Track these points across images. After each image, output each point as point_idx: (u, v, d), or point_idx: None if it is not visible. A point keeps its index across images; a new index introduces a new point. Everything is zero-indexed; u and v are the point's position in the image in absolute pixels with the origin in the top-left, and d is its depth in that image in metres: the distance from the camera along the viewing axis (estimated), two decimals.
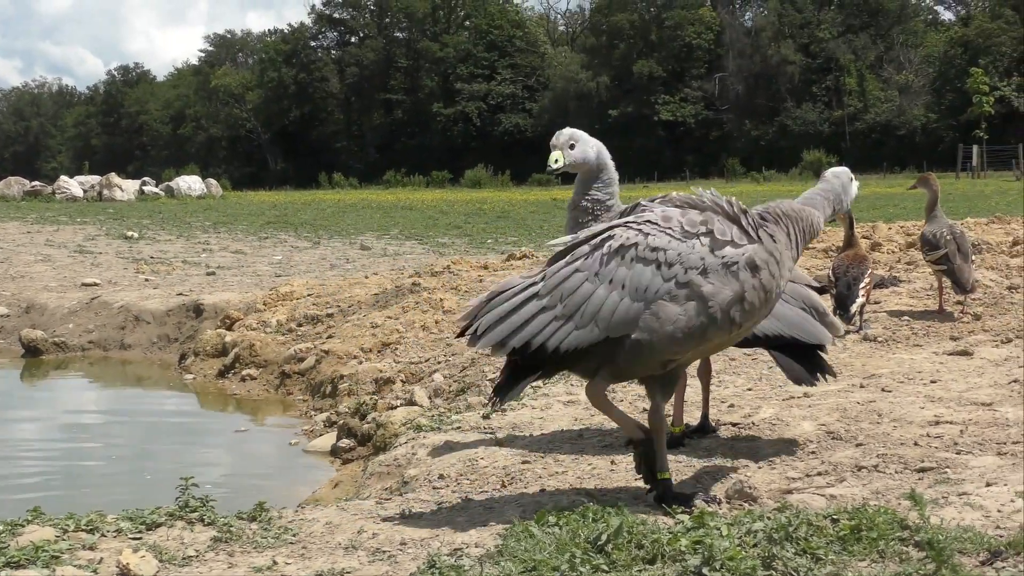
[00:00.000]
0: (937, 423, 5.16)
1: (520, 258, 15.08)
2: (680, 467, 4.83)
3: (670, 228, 4.04)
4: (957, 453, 4.67)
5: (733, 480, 4.45)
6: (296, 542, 4.02)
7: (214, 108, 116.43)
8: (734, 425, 5.53)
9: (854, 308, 7.80)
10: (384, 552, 3.83)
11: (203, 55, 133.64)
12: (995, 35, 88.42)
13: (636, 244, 4.01)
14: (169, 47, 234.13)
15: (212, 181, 54.79)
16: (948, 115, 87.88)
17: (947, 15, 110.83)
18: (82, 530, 4.08)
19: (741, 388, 6.51)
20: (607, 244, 4.03)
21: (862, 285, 7.95)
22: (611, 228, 4.11)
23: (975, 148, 70.03)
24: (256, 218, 34.13)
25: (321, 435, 8.71)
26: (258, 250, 23.30)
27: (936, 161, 78.95)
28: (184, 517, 4.24)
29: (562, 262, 4.07)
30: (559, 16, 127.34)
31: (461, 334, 4.11)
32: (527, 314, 3.96)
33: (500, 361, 8.94)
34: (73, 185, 47.21)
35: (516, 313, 3.97)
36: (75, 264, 19.80)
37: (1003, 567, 3.23)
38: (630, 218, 4.17)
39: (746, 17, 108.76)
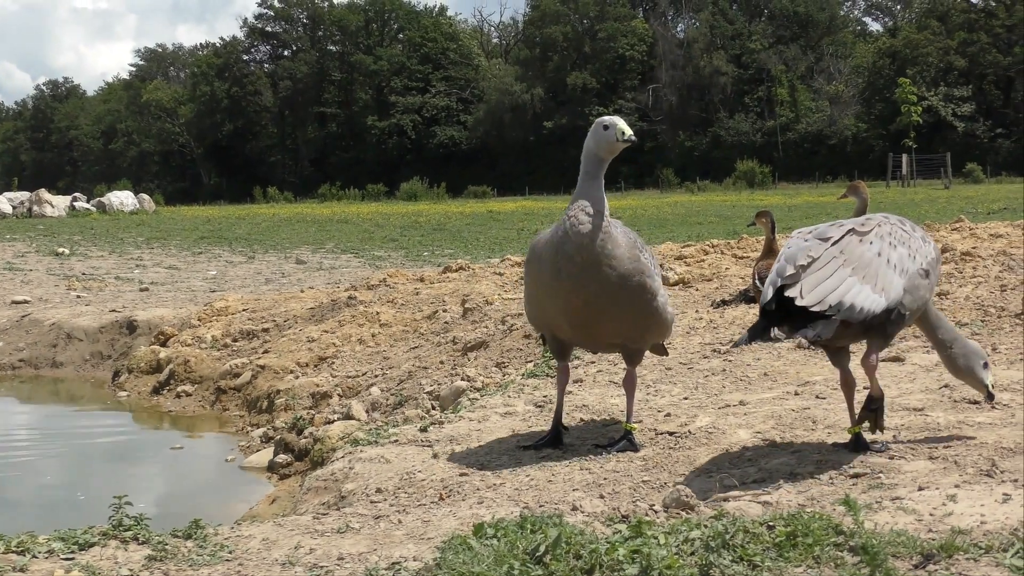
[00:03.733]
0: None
1: (456, 270, 15.05)
2: (618, 477, 4.85)
3: (906, 228, 4.80)
4: (890, 458, 4.72)
5: (671, 489, 4.47)
6: (232, 559, 3.98)
7: (146, 123, 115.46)
8: (671, 434, 5.56)
9: (767, 299, 7.84)
10: (322, 567, 3.81)
11: (134, 69, 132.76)
12: (922, 46, 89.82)
13: (898, 234, 4.71)
14: (98, 61, 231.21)
15: (145, 196, 54.18)
16: (878, 125, 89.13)
17: (875, 26, 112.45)
18: (12, 551, 4.01)
19: (678, 397, 6.54)
20: (881, 231, 4.68)
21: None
22: (877, 223, 4.75)
23: (904, 157, 70.99)
24: (190, 233, 33.87)
25: (258, 451, 8.65)
26: (192, 265, 23.12)
27: (867, 170, 80.00)
28: (118, 536, 4.18)
29: (853, 239, 4.60)
30: (492, 28, 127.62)
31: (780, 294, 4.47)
32: (839, 279, 4.45)
33: (438, 373, 8.95)
34: (2, 201, 46.49)
35: (831, 278, 4.45)
36: (4, 281, 19.53)
37: (935, 570, 3.26)
38: (886, 219, 4.81)
39: (678, 29, 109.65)
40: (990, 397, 5.15)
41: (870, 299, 4.44)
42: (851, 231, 4.62)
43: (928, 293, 4.76)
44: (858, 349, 5.01)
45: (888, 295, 4.52)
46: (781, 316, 4.45)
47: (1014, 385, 6.22)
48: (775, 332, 4.55)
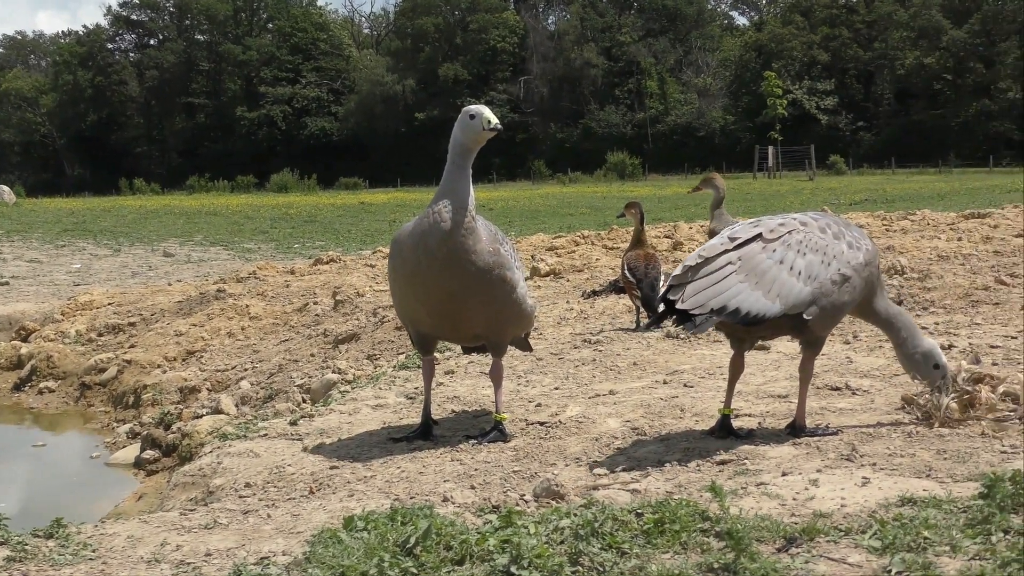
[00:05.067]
0: (736, 416, 5.31)
1: (327, 262, 14.95)
2: (489, 468, 4.86)
3: (826, 236, 4.82)
4: (755, 444, 4.81)
5: (541, 479, 4.50)
6: (96, 558, 3.89)
7: (5, 112, 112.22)
8: (542, 424, 5.59)
9: (658, 299, 7.97)
10: (189, 564, 3.75)
11: None
12: (787, 40, 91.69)
13: (813, 242, 4.78)
14: None
15: (4, 188, 52.77)
16: (745, 117, 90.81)
17: (742, 20, 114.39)
18: None
19: (548, 387, 6.58)
20: (791, 239, 4.74)
21: (662, 285, 8.17)
22: (790, 230, 4.78)
23: (771, 149, 72.46)
24: (53, 226, 33.07)
25: (124, 447, 8.51)
26: (55, 259, 22.60)
27: (735, 162, 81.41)
28: None
29: (756, 246, 4.68)
30: (363, 19, 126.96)
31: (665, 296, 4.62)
32: (726, 285, 4.58)
33: (308, 366, 8.88)
34: None
35: (718, 284, 4.57)
36: None
37: (797, 552, 3.34)
38: (797, 220, 4.86)
39: (549, 21, 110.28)
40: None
41: (759, 304, 4.55)
42: (758, 237, 4.72)
43: (847, 296, 4.80)
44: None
45: (785, 301, 4.60)
46: (671, 310, 4.58)
47: (874, 372, 6.40)
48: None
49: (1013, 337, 7.16)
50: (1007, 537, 3.28)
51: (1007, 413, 4.96)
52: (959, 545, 3.24)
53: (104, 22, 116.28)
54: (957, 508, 3.59)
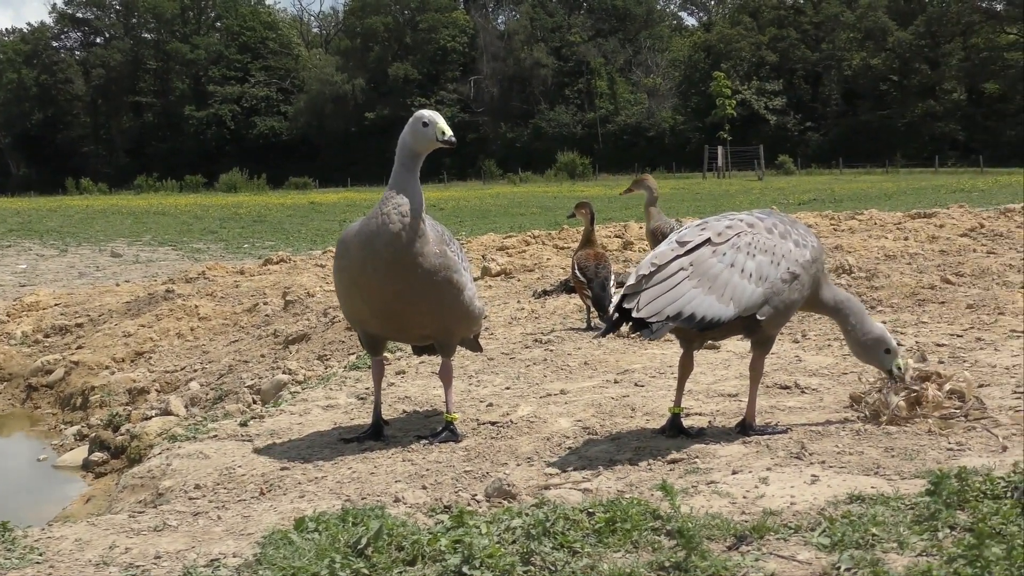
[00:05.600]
0: (687, 415, 5.33)
1: (277, 263, 14.87)
2: (441, 468, 4.86)
3: (773, 236, 4.84)
4: (705, 443, 4.84)
5: (493, 478, 4.50)
6: (43, 561, 3.85)
7: None
8: (493, 424, 5.59)
9: (612, 308, 8.00)
10: (138, 567, 3.71)
11: None
12: (735, 41, 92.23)
13: (761, 243, 4.79)
14: None
15: None
16: (694, 117, 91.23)
17: (691, 21, 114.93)
18: None
19: (500, 387, 6.59)
20: (739, 241, 4.74)
21: (612, 284, 8.21)
22: (738, 232, 4.78)
23: (720, 149, 72.88)
24: None
25: (72, 449, 8.42)
26: (0, 259, 22.34)
27: (684, 162, 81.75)
28: None
29: (706, 250, 4.69)
30: (312, 18, 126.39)
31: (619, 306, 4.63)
32: (680, 292, 4.59)
33: (259, 367, 8.83)
34: None
35: (672, 290, 4.58)
36: None
37: (748, 550, 3.36)
38: (744, 221, 4.86)
39: (499, 21, 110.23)
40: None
41: (714, 308, 4.57)
42: (707, 241, 4.72)
43: (797, 294, 4.84)
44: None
45: (739, 303, 4.62)
46: (625, 318, 4.58)
47: (822, 370, 6.45)
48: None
49: (959, 335, 7.24)
50: (953, 533, 3.32)
51: (953, 411, 5.02)
52: (906, 542, 3.27)
53: (49, 20, 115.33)
54: (904, 505, 3.62)
